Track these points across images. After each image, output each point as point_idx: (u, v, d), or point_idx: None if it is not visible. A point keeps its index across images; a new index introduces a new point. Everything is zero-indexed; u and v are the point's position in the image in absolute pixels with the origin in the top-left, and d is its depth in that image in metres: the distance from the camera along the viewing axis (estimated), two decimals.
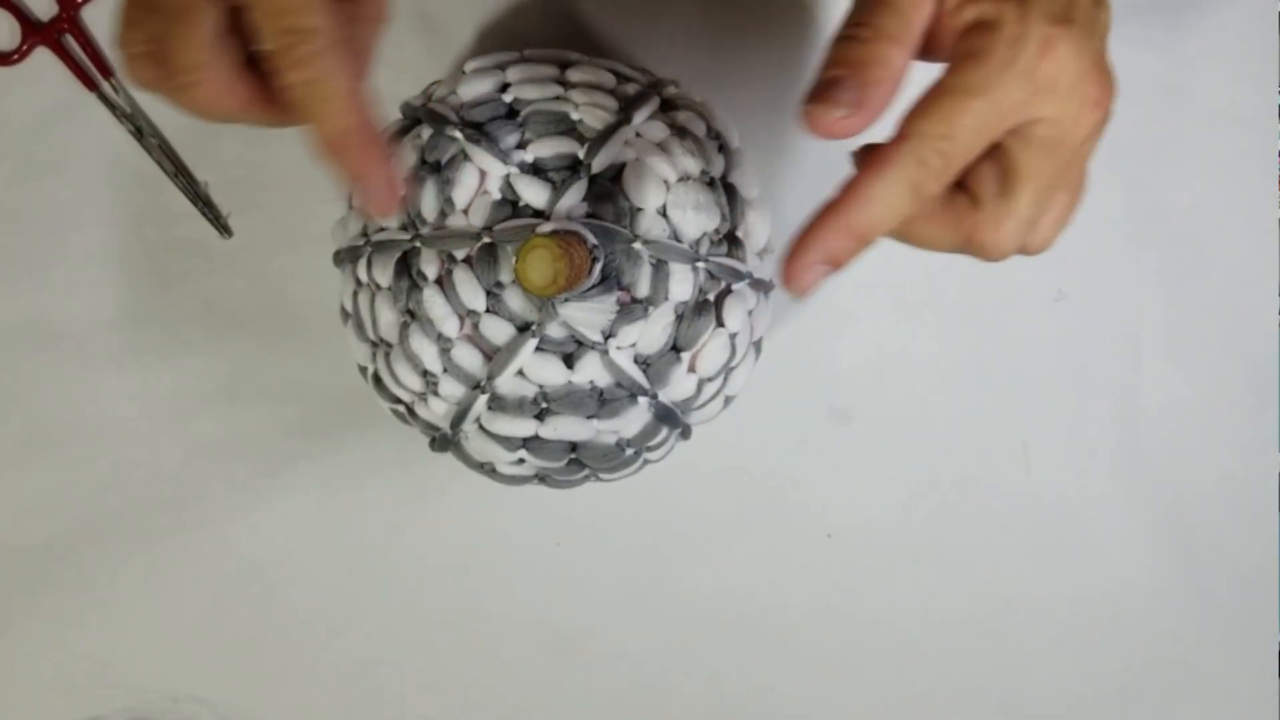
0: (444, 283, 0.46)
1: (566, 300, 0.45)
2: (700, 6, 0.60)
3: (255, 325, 0.60)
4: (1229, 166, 0.61)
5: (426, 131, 0.48)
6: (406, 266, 0.47)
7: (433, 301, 0.46)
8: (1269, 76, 0.61)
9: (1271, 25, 0.60)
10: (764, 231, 0.51)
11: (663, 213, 0.47)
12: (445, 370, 0.47)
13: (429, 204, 0.47)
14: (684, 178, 0.47)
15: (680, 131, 0.48)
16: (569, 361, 0.46)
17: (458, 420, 0.48)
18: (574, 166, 0.46)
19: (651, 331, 0.47)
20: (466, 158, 0.46)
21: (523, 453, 0.48)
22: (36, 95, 0.60)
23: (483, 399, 0.47)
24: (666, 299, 0.46)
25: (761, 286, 0.50)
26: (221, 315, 0.60)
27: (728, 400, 0.52)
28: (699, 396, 0.49)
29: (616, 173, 0.46)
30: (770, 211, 0.51)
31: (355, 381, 0.53)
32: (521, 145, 0.46)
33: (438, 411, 0.48)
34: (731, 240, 0.48)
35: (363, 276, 0.49)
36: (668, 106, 0.49)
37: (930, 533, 0.61)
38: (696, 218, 0.47)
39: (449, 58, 0.60)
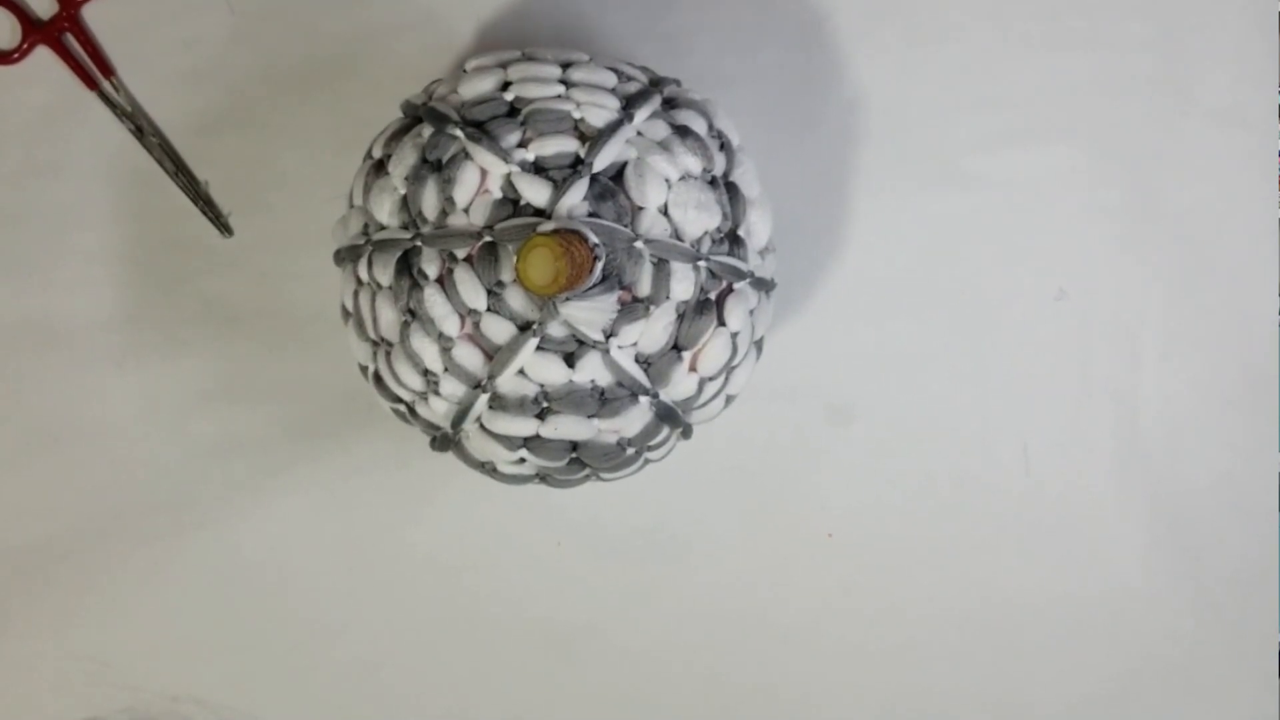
0: (445, 282, 0.46)
1: (567, 299, 0.45)
2: (700, 6, 0.60)
3: (255, 325, 0.60)
4: (1229, 166, 0.61)
5: (428, 130, 0.47)
6: (407, 265, 0.47)
7: (433, 300, 0.46)
8: (1269, 76, 0.61)
9: (1271, 25, 0.61)
10: (765, 230, 0.51)
11: (664, 211, 0.47)
12: (446, 369, 0.47)
13: (430, 203, 0.47)
14: (685, 176, 0.47)
15: (682, 130, 0.48)
16: (570, 361, 0.46)
17: (458, 419, 0.48)
18: (575, 165, 0.46)
19: (653, 331, 0.47)
20: (468, 156, 0.46)
21: (524, 452, 0.48)
22: (36, 95, 0.60)
23: (483, 398, 0.47)
24: (668, 298, 0.46)
25: (763, 285, 0.50)
26: (221, 315, 0.60)
27: (729, 400, 0.52)
28: (700, 396, 0.49)
29: (618, 171, 0.46)
30: (771, 210, 0.51)
31: (355, 381, 0.53)
32: (523, 144, 0.46)
33: (438, 411, 0.48)
34: (733, 239, 0.48)
35: (363, 275, 0.49)
36: (669, 105, 0.49)
37: (930, 532, 0.61)
38: (698, 216, 0.47)
39: (450, 56, 0.60)
